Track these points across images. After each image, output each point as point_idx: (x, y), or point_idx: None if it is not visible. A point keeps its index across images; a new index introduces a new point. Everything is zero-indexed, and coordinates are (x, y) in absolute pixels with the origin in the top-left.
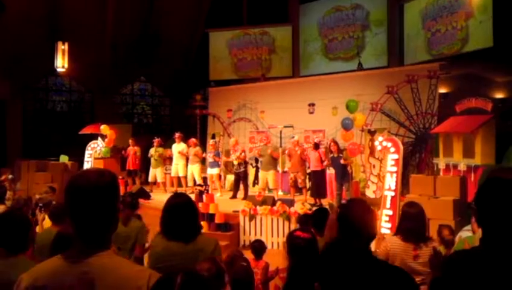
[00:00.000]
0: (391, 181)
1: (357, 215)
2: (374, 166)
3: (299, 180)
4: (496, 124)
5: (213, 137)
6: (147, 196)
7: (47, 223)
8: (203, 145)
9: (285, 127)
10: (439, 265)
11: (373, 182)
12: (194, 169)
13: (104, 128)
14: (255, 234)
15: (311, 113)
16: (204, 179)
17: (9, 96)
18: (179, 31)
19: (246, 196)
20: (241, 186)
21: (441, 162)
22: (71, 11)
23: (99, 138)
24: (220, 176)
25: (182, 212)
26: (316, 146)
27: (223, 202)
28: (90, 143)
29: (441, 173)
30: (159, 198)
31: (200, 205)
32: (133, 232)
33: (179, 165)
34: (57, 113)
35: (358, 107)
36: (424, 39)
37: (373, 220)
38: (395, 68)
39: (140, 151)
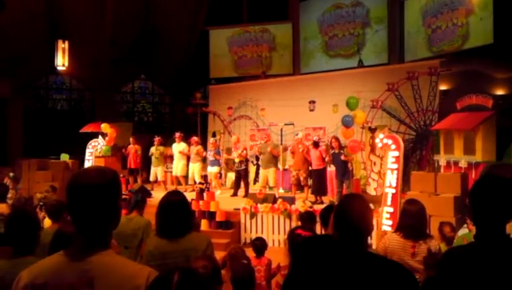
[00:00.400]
0: (392, 178)
1: (352, 210)
2: (374, 163)
3: (301, 178)
4: (496, 121)
5: (213, 135)
6: (148, 194)
7: (48, 221)
8: (203, 143)
9: (285, 124)
10: (433, 265)
11: (374, 180)
12: (195, 168)
13: (104, 127)
14: (256, 232)
15: (311, 110)
16: (205, 177)
17: (10, 95)
18: (179, 28)
19: (246, 194)
20: (242, 184)
21: (441, 159)
22: (71, 10)
23: (99, 137)
24: (220, 174)
25: (175, 211)
26: (316, 144)
27: (223, 199)
28: (90, 141)
29: (442, 170)
30: (160, 196)
31: (200, 203)
32: (139, 230)
33: (179, 164)
34: (57, 112)
35: (359, 104)
36: (425, 36)
37: (369, 215)
38: (396, 65)
39: (141, 150)
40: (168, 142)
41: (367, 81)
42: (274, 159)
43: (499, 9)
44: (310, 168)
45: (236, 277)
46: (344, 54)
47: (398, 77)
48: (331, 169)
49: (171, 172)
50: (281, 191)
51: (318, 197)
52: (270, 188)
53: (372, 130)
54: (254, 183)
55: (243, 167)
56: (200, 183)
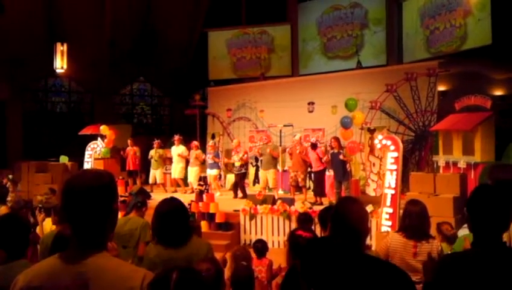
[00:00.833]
0: (391, 179)
1: (350, 213)
2: (373, 164)
3: (299, 179)
4: (495, 121)
5: (213, 137)
6: (148, 196)
7: (47, 223)
8: (202, 145)
9: (284, 126)
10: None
11: (373, 180)
12: (193, 172)
13: (103, 129)
14: (256, 233)
15: (310, 112)
16: (204, 179)
17: (9, 98)
18: (177, 30)
19: (244, 195)
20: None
21: (440, 159)
22: (70, 12)
23: (99, 139)
24: (220, 176)
25: (172, 218)
26: (313, 146)
27: (223, 201)
28: (90, 144)
29: (441, 171)
30: (159, 198)
31: (200, 204)
32: (136, 230)
33: (178, 167)
34: (56, 114)
35: (358, 105)
36: (423, 37)
37: (366, 218)
38: (394, 66)
39: (140, 152)
40: (167, 144)
41: (366, 83)
42: (274, 161)
43: (497, 10)
44: (309, 169)
45: (236, 278)
46: (343, 56)
47: (396, 78)
48: (330, 173)
49: (170, 174)
50: (281, 192)
51: (318, 198)
52: (270, 189)
53: (371, 131)
54: (253, 184)
55: (243, 170)
56: (199, 185)
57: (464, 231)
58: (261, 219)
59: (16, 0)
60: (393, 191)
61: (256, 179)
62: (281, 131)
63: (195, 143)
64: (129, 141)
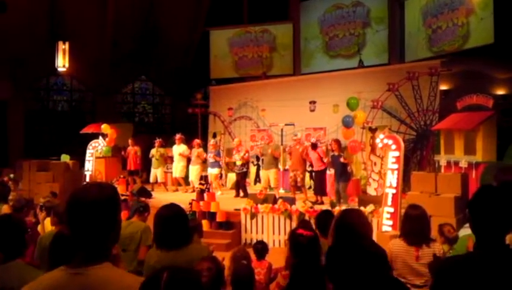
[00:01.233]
0: (392, 178)
1: (353, 225)
2: (375, 163)
3: (298, 179)
4: (497, 121)
5: (214, 136)
6: (148, 195)
7: (48, 222)
8: (204, 143)
9: (286, 125)
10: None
11: (374, 180)
12: (194, 170)
13: (105, 128)
14: (257, 232)
15: (312, 111)
16: (205, 177)
17: (11, 96)
18: (179, 29)
19: (245, 194)
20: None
21: (442, 159)
22: (72, 11)
23: (100, 137)
24: (221, 175)
25: (171, 224)
26: (314, 146)
27: (224, 200)
28: (91, 142)
29: (442, 170)
30: (160, 197)
31: (201, 203)
32: (137, 234)
33: (179, 166)
34: (58, 113)
35: (359, 104)
36: (425, 36)
37: (369, 229)
38: (396, 65)
39: (141, 151)
40: (168, 143)
41: (367, 82)
42: (275, 160)
43: (500, 9)
44: (310, 168)
45: (236, 277)
46: (344, 54)
47: (398, 77)
48: (331, 173)
49: (171, 173)
50: (282, 191)
51: (318, 198)
52: (271, 188)
53: (373, 130)
54: (254, 183)
55: (244, 169)
56: (200, 183)
57: (465, 231)
58: (262, 218)
59: None
60: (394, 191)
61: (257, 178)
62: (282, 130)
63: (197, 141)
64: (130, 141)
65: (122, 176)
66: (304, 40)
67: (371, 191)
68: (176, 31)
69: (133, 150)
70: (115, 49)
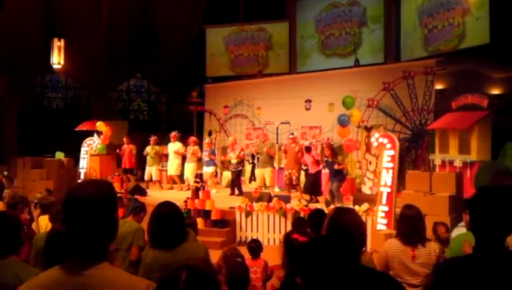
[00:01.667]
0: (387, 177)
1: (347, 225)
2: (370, 162)
3: (294, 178)
4: (491, 121)
5: (209, 134)
6: (143, 193)
7: (43, 220)
8: (199, 142)
9: (281, 123)
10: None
11: (369, 178)
12: (190, 168)
13: (100, 125)
14: (252, 231)
15: (307, 109)
16: (200, 175)
17: (5, 93)
18: (175, 27)
19: (240, 193)
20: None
21: (437, 158)
22: (67, 8)
23: (95, 135)
24: (216, 173)
25: (167, 223)
26: (308, 149)
27: (219, 198)
28: (86, 140)
29: (437, 169)
30: (155, 195)
31: (196, 201)
32: (130, 233)
33: (174, 164)
34: (53, 110)
35: (355, 103)
36: (421, 35)
37: (363, 229)
38: (392, 64)
39: (136, 149)
40: (163, 141)
41: (363, 81)
42: (271, 159)
43: (495, 9)
44: (305, 167)
45: (231, 275)
46: (340, 53)
47: (394, 76)
48: (326, 171)
49: (166, 171)
50: (277, 190)
51: (313, 197)
52: (267, 187)
53: (368, 129)
54: (250, 181)
55: (240, 168)
56: (195, 181)
57: (458, 230)
58: (257, 216)
59: None
60: (389, 189)
61: (252, 177)
62: (277, 128)
63: (193, 139)
64: (125, 139)
65: (116, 174)
66: (300, 38)
67: (366, 189)
68: (172, 29)
69: (128, 149)
70: (111, 46)
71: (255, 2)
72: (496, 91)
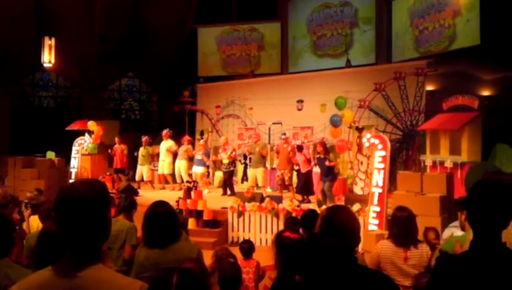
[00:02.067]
0: (379, 178)
1: (341, 224)
2: (361, 163)
3: (286, 178)
4: (482, 122)
5: (201, 134)
6: (135, 193)
7: (34, 220)
8: (192, 141)
9: (273, 123)
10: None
11: (361, 179)
12: (181, 165)
13: (91, 125)
14: (244, 231)
15: (299, 109)
16: (190, 176)
17: None
18: (167, 26)
19: (232, 193)
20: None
21: (427, 159)
22: (58, 6)
23: (86, 134)
24: (208, 173)
25: (161, 222)
26: (300, 148)
27: (211, 198)
28: (77, 139)
29: (428, 170)
30: (147, 195)
31: (188, 201)
32: (122, 232)
33: (165, 162)
34: (43, 109)
35: (347, 104)
36: (412, 37)
37: (357, 227)
38: (383, 65)
39: (128, 149)
40: (155, 140)
41: (355, 81)
42: (263, 159)
43: (486, 10)
44: (296, 167)
45: (223, 275)
46: (332, 54)
47: (385, 77)
48: (317, 170)
49: (157, 170)
50: (269, 190)
51: (305, 197)
52: (259, 187)
53: (360, 130)
54: (242, 182)
55: (231, 168)
56: (187, 181)
57: (450, 230)
58: (249, 216)
59: None
60: (380, 190)
61: (244, 177)
62: (269, 129)
63: (187, 138)
64: (117, 139)
65: (108, 174)
66: (292, 39)
67: (358, 190)
68: (164, 28)
69: (119, 148)
70: (102, 45)
71: (247, 2)
72: (486, 92)
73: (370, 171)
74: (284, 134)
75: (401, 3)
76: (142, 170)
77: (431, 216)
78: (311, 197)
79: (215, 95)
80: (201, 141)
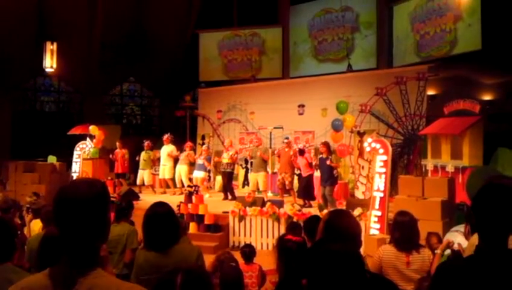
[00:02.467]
0: (380, 182)
1: (342, 228)
2: (362, 167)
3: (287, 182)
4: (483, 126)
5: (203, 138)
6: (136, 197)
7: (35, 224)
8: (193, 146)
9: (275, 128)
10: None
11: (362, 183)
12: (182, 170)
13: (93, 129)
14: (245, 235)
15: (300, 114)
16: (190, 180)
17: None
18: (169, 31)
19: (233, 197)
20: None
21: (429, 163)
22: (60, 11)
23: (87, 139)
24: (209, 178)
25: (162, 223)
26: (301, 152)
27: (212, 203)
28: (78, 144)
29: (429, 174)
30: (148, 199)
31: (189, 206)
32: (123, 236)
33: (166, 166)
34: (45, 114)
35: (348, 108)
36: (413, 41)
37: (358, 231)
38: (384, 70)
39: (129, 154)
40: (157, 145)
41: (356, 86)
42: (264, 163)
43: (487, 15)
44: (298, 171)
45: (225, 279)
46: (333, 59)
47: (386, 82)
48: (318, 175)
49: (158, 175)
50: (270, 194)
51: (306, 201)
52: (260, 191)
53: (361, 134)
54: (243, 186)
55: (229, 169)
56: (189, 186)
57: (451, 235)
58: (250, 221)
59: None
60: (382, 194)
61: (245, 181)
62: (271, 133)
63: (189, 144)
64: (118, 143)
65: (109, 178)
66: (293, 44)
67: (359, 194)
68: (165, 33)
69: (121, 153)
70: (104, 50)
71: (248, 7)
72: (487, 97)
73: (371, 176)
74: (287, 138)
75: (402, 8)
76: (144, 175)
77: (432, 221)
78: (312, 202)
79: (217, 100)
80: (204, 146)
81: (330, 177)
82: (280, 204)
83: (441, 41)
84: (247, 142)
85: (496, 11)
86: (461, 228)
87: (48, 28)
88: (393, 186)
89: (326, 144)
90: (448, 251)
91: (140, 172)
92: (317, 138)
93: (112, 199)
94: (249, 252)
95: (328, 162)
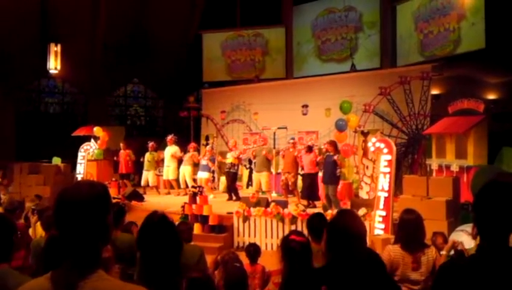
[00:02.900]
0: (384, 182)
1: (348, 229)
2: (367, 167)
3: (290, 183)
4: (488, 125)
5: (207, 139)
6: (140, 198)
7: (39, 226)
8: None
9: (278, 128)
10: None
11: (366, 183)
12: (186, 171)
13: (97, 130)
14: (249, 236)
15: (304, 114)
16: (195, 181)
17: (2, 98)
18: (172, 32)
19: (237, 198)
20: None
21: (433, 162)
22: (63, 13)
23: (92, 140)
24: (213, 179)
25: (153, 233)
26: (309, 149)
27: (216, 203)
28: (83, 145)
29: (434, 174)
30: (152, 200)
31: (193, 206)
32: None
33: (170, 167)
34: (49, 115)
35: (352, 108)
36: (417, 41)
37: (363, 231)
38: (388, 69)
39: (133, 154)
40: (160, 145)
41: (359, 86)
42: (267, 163)
43: (491, 14)
44: (301, 171)
45: (229, 280)
46: (337, 58)
47: (390, 81)
48: (321, 175)
49: (162, 176)
50: (274, 195)
51: (310, 201)
52: (263, 192)
53: (365, 134)
54: (247, 187)
55: (233, 170)
56: (193, 187)
57: (456, 234)
58: (255, 221)
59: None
60: (386, 194)
61: (249, 182)
62: (274, 134)
63: (193, 145)
64: (122, 144)
65: (114, 179)
66: (297, 44)
67: (363, 194)
68: (168, 34)
69: (124, 154)
70: (107, 51)
71: (251, 7)
72: (491, 96)
73: (376, 176)
74: (293, 138)
75: (406, 8)
76: (148, 176)
77: (437, 220)
78: (316, 202)
79: (220, 100)
80: (208, 147)
81: (332, 175)
82: (284, 205)
83: (444, 41)
84: (251, 143)
85: (499, 10)
86: (466, 227)
87: (51, 29)
88: (397, 186)
89: (333, 143)
90: (453, 252)
91: (144, 173)
92: (321, 138)
93: (117, 200)
94: (253, 251)
95: (335, 158)
